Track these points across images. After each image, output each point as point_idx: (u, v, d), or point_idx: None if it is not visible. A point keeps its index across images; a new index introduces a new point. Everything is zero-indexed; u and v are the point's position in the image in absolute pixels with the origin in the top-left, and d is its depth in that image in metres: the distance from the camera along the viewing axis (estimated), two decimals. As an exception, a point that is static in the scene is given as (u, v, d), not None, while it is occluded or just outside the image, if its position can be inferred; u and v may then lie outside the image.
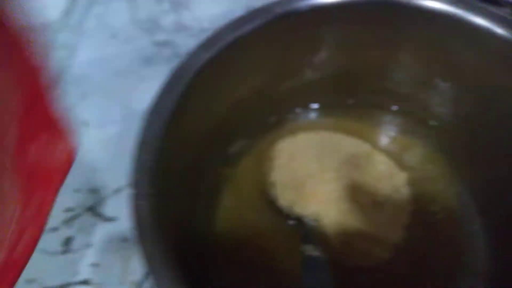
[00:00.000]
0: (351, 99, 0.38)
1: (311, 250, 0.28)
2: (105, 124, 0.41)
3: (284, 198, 0.33)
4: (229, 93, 0.31)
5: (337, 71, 0.34)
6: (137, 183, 0.22)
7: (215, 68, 0.27)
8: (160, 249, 0.21)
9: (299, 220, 0.32)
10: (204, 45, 0.26)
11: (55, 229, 0.35)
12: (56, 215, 0.34)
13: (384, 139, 0.37)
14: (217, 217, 0.33)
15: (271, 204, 0.33)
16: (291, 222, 0.32)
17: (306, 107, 0.38)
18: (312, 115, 0.38)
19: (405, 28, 0.31)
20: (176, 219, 0.26)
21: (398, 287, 0.30)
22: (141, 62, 0.46)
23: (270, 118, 0.37)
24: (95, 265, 0.34)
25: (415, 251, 0.32)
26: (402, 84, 0.35)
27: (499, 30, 0.27)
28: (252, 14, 0.28)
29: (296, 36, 0.31)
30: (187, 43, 0.40)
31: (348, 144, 0.35)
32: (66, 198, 0.35)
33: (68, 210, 0.36)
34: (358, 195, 0.33)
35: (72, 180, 0.31)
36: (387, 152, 0.36)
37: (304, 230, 0.31)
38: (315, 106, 0.38)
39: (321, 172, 0.34)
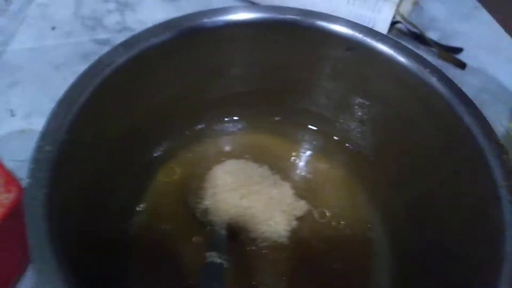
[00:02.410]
0: (278, 116, 0.39)
1: (214, 257, 0.29)
2: (30, 115, 0.41)
3: (201, 205, 0.34)
4: (149, 96, 0.31)
5: (260, 86, 0.36)
6: (33, 173, 0.22)
7: (134, 68, 0.28)
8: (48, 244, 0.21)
9: (212, 227, 0.33)
10: (125, 44, 0.27)
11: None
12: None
13: (302, 157, 0.38)
14: (134, 221, 0.33)
15: (189, 210, 0.34)
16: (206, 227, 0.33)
17: (233, 118, 0.39)
18: (239, 126, 0.39)
19: (320, 51, 0.33)
20: (79, 216, 0.26)
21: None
22: (79, 57, 0.45)
23: (196, 125, 0.38)
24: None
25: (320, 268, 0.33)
26: (323, 107, 0.37)
27: (401, 58, 0.30)
28: (168, 24, 0.29)
29: (213, 49, 0.32)
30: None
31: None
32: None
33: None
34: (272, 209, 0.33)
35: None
36: (302, 171, 0.38)
37: (212, 237, 0.31)
38: (242, 118, 0.39)
39: (241, 185, 0.34)
